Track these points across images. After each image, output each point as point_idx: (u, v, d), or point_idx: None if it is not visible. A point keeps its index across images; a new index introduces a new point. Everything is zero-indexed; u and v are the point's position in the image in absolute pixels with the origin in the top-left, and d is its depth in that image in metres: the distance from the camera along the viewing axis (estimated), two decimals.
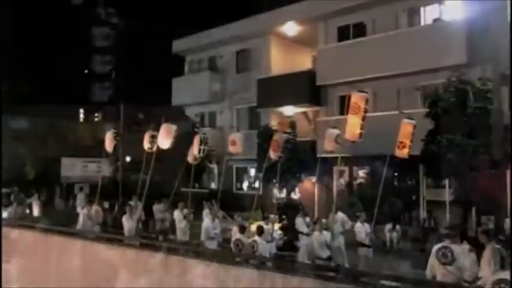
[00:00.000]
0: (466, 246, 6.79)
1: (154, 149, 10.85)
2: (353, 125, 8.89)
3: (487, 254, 6.07)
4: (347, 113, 9.14)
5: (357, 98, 8.96)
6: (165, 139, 10.50)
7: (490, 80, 11.14)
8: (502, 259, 5.80)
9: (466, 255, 6.50)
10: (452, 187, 13.16)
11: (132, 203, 12.89)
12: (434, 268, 6.30)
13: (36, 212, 18.76)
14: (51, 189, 24.95)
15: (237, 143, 12.61)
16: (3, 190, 19.27)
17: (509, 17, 13.03)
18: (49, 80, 38.40)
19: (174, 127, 10.68)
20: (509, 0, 12.95)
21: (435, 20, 16.40)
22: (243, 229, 9.32)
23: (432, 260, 6.34)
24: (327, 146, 11.33)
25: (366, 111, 8.88)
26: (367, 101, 8.96)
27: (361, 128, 8.80)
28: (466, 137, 10.82)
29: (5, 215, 16.06)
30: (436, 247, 6.38)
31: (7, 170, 30.43)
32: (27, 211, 18.45)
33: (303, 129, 20.23)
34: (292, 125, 18.06)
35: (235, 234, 9.29)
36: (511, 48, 7.28)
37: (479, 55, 13.98)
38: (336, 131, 11.28)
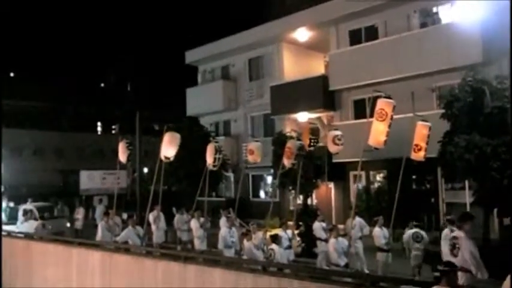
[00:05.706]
0: None
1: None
2: (378, 132, 8.62)
3: None
4: (371, 118, 8.92)
5: (383, 104, 8.69)
6: (169, 147, 10.44)
7: (507, 78, 10.93)
8: None
9: None
10: (472, 189, 12.90)
11: (155, 213, 13.03)
12: None
13: (79, 224, 18.93)
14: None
15: (254, 152, 12.64)
16: (42, 204, 19.87)
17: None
18: None
19: (177, 135, 10.56)
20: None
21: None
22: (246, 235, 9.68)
23: None
24: (331, 148, 11.42)
25: (392, 118, 8.63)
26: (394, 107, 8.70)
27: (387, 135, 8.57)
28: (484, 137, 10.59)
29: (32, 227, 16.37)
30: None
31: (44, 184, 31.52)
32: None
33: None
34: (315, 131, 17.91)
35: (269, 243, 9.78)
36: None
37: (495, 53, 13.74)
38: (336, 132, 11.30)
